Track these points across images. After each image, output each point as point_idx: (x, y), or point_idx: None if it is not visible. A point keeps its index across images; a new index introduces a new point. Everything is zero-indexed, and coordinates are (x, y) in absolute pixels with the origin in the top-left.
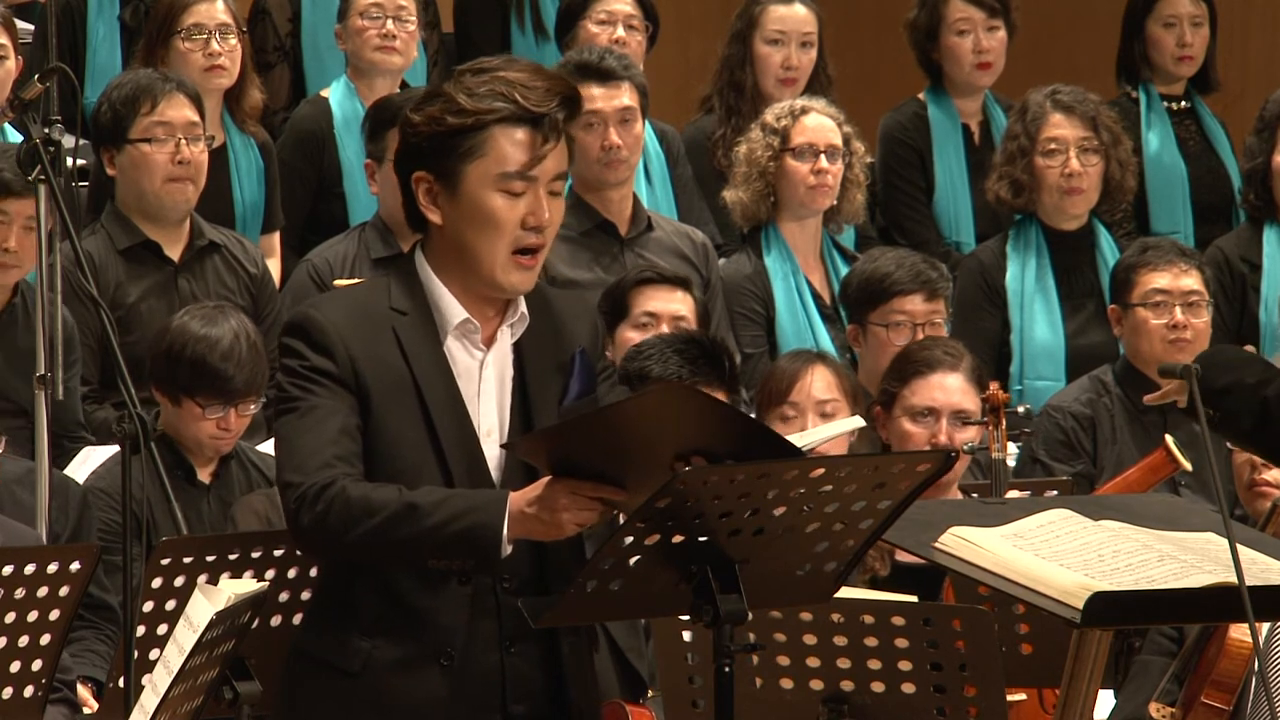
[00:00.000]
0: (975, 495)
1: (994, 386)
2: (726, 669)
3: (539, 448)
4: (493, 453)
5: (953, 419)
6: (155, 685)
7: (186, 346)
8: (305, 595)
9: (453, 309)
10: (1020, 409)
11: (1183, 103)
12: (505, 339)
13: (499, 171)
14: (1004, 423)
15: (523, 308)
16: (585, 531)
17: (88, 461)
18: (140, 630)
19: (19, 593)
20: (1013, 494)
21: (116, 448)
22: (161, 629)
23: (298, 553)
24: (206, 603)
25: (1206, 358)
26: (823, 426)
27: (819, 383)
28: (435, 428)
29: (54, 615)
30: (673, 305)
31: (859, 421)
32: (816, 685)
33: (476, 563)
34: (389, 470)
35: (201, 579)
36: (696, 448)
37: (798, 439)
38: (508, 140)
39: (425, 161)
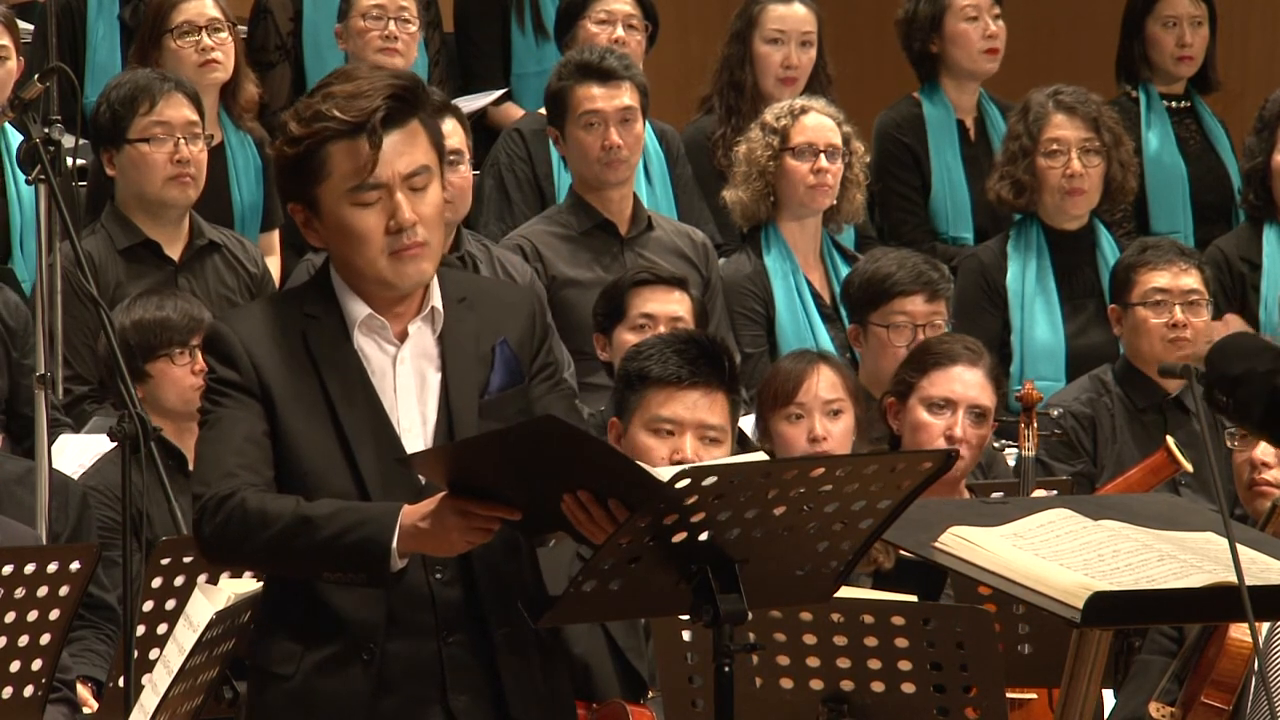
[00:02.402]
0: (996, 494)
1: (1029, 385)
2: (726, 669)
3: (431, 465)
4: (415, 448)
5: (969, 413)
6: (155, 685)
7: (125, 327)
8: None
9: (357, 307)
10: (1053, 411)
11: (1183, 102)
12: (422, 333)
13: (344, 188)
14: (1035, 422)
15: (435, 301)
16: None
17: (66, 450)
18: (140, 630)
19: (19, 593)
20: (1039, 493)
21: (93, 435)
22: (161, 628)
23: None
24: (206, 602)
25: (1222, 345)
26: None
27: (824, 382)
28: (343, 426)
29: (54, 615)
30: (670, 306)
31: (760, 456)
32: (816, 685)
33: (368, 576)
34: (297, 472)
35: (201, 579)
36: (581, 483)
37: (664, 473)
38: (342, 156)
39: (292, 193)
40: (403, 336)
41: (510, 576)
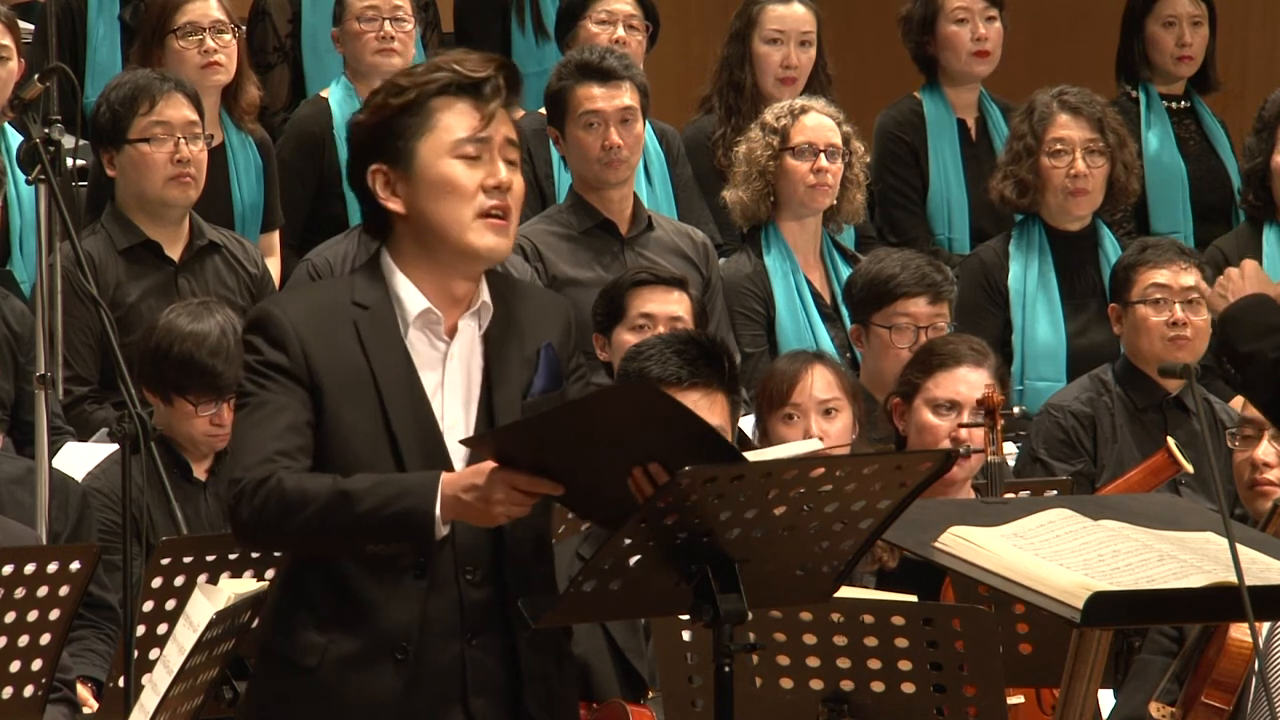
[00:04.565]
0: (985, 496)
1: (989, 389)
2: (726, 669)
3: (497, 446)
4: (457, 445)
5: (974, 414)
6: (155, 685)
7: (174, 344)
8: None
9: (414, 300)
10: (1016, 410)
11: (1182, 102)
12: (470, 329)
13: (450, 140)
14: (1000, 425)
15: (484, 296)
16: (585, 531)
17: (69, 457)
18: (140, 630)
19: (19, 593)
20: (1008, 496)
21: (98, 444)
22: (161, 628)
23: (274, 554)
24: (206, 602)
25: (1236, 314)
26: (779, 448)
27: (819, 382)
28: (390, 421)
29: (54, 615)
30: (669, 306)
31: (816, 444)
32: (816, 685)
33: (412, 546)
34: (342, 464)
35: (201, 579)
36: (654, 455)
37: (751, 459)
38: (451, 111)
39: (377, 153)
40: (452, 332)
41: (537, 578)
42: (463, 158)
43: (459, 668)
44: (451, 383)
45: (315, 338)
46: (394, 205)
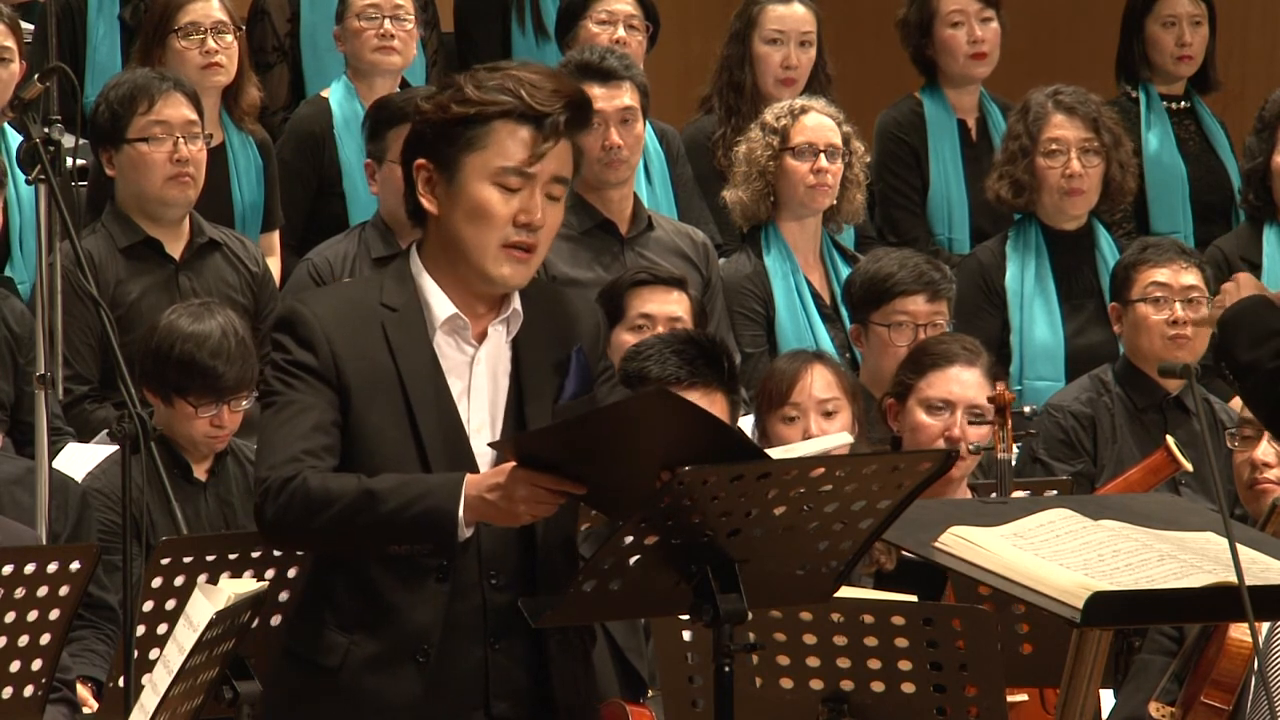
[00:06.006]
0: (981, 495)
1: (1000, 387)
2: (726, 669)
3: (525, 449)
4: (483, 449)
5: (968, 413)
6: (155, 685)
7: (175, 345)
8: None
9: (441, 305)
10: (1026, 409)
11: (1182, 102)
12: (498, 335)
13: (497, 165)
14: (1010, 423)
15: (516, 304)
16: (584, 531)
17: (69, 458)
18: (140, 630)
19: (19, 593)
20: (1018, 494)
21: (99, 444)
22: (161, 628)
23: (297, 552)
24: (206, 602)
25: (1235, 318)
26: (809, 443)
27: (819, 382)
28: (417, 424)
29: (54, 615)
30: (668, 307)
31: (847, 438)
32: (816, 685)
33: (436, 547)
34: (369, 466)
35: (201, 579)
36: (681, 459)
37: (778, 453)
38: (508, 135)
39: (428, 150)
40: (481, 337)
41: (566, 582)
42: (502, 186)
43: (481, 672)
44: (478, 387)
45: (343, 338)
46: (430, 205)
